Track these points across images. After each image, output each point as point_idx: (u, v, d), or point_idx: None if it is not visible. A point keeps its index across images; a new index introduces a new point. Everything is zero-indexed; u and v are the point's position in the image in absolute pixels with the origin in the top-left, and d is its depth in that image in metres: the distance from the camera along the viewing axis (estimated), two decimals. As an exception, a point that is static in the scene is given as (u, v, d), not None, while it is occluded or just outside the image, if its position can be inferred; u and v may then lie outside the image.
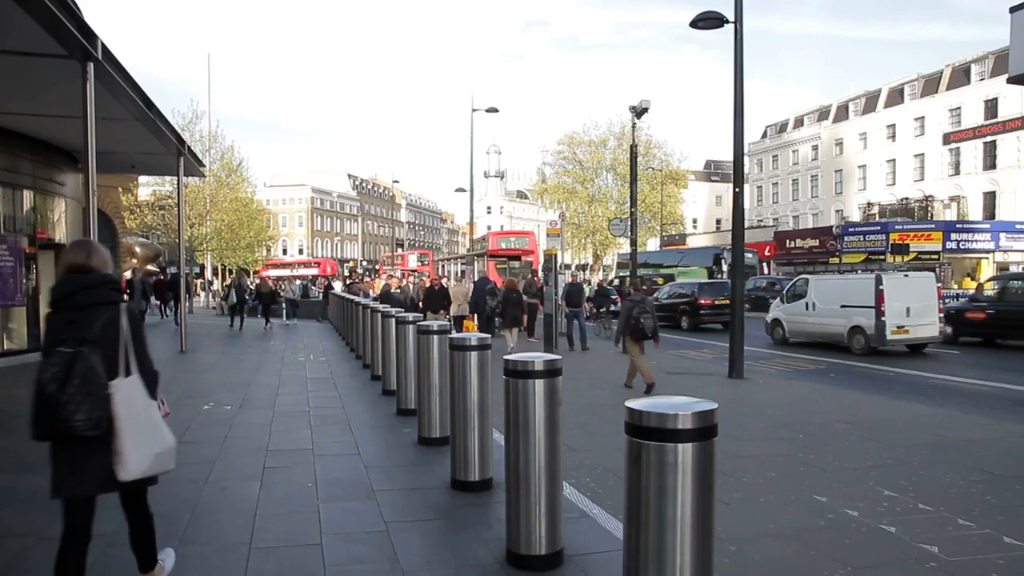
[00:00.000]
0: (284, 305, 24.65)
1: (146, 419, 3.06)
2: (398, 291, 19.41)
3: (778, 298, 18.43)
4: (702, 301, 22.10)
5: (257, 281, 27.34)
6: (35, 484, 5.23)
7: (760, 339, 17.75)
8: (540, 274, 22.00)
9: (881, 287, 14.73)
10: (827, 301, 16.19)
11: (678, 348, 16.91)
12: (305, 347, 15.72)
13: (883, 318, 14.55)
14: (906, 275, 15.76)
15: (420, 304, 16.91)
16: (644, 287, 15.78)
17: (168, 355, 13.91)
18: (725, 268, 30.28)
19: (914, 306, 14.76)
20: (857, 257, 34.27)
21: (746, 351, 11.56)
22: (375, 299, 16.39)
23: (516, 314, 14.88)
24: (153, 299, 23.78)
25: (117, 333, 3.01)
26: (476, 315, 16.78)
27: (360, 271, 61.61)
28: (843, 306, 15.61)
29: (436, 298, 15.97)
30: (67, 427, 2.79)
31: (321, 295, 27.86)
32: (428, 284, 17.75)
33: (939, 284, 15.52)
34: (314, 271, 43.40)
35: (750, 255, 33.92)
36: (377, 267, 59.81)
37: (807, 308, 16.67)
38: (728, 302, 23.86)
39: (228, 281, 27.55)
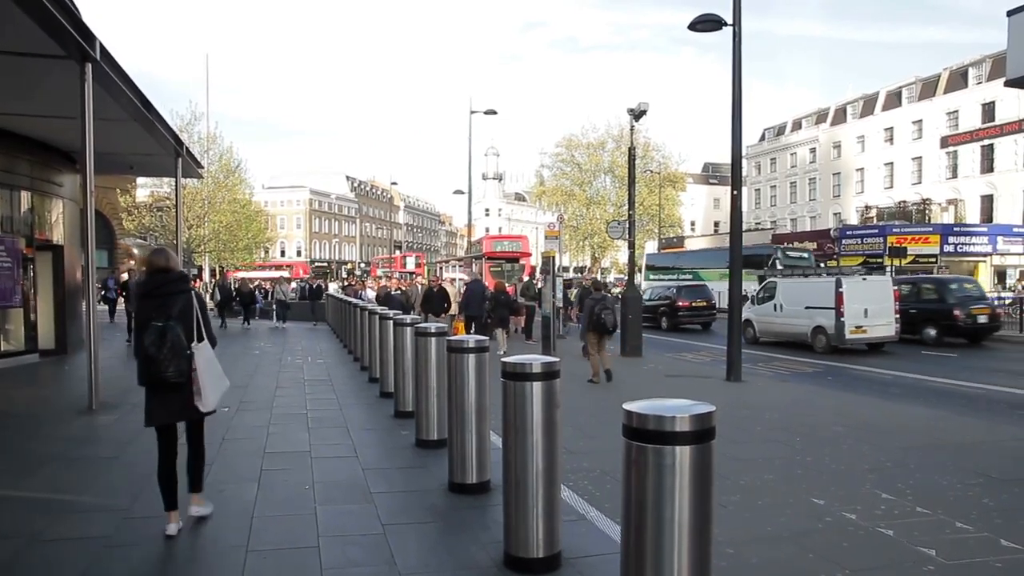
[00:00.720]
0: (275, 307, 23.91)
1: (215, 370, 4.35)
2: (398, 292, 19.23)
3: (750, 299, 19.27)
4: (680, 303, 23.28)
5: (238, 282, 27.30)
6: (32, 486, 5.23)
7: (720, 337, 18.21)
8: (539, 276, 22.06)
9: (840, 290, 15.69)
10: (793, 303, 17.20)
11: (673, 350, 16.93)
12: (303, 349, 15.71)
13: (842, 319, 15.51)
14: (864, 279, 16.54)
15: (416, 306, 16.86)
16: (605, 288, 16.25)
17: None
18: (780, 271, 28.15)
19: (871, 308, 15.72)
20: (855, 260, 34.31)
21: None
22: (370, 300, 16.36)
23: (504, 315, 15.41)
24: None
25: (191, 312, 4.23)
26: (467, 317, 16.60)
27: (358, 272, 61.63)
28: (807, 307, 16.56)
29: (436, 300, 15.61)
30: (161, 377, 4.03)
31: (309, 297, 26.89)
32: (428, 285, 17.37)
33: (895, 287, 16.63)
34: (285, 273, 42.89)
35: (806, 255, 32.27)
36: (368, 269, 59.64)
37: (775, 309, 17.75)
38: (705, 304, 24.79)
39: (213, 281, 27.61)
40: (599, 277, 47.59)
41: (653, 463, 2.30)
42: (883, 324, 15.86)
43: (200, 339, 4.26)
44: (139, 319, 4.21)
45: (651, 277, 38.68)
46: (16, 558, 3.89)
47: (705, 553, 2.34)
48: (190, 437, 4.44)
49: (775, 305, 17.75)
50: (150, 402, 4.18)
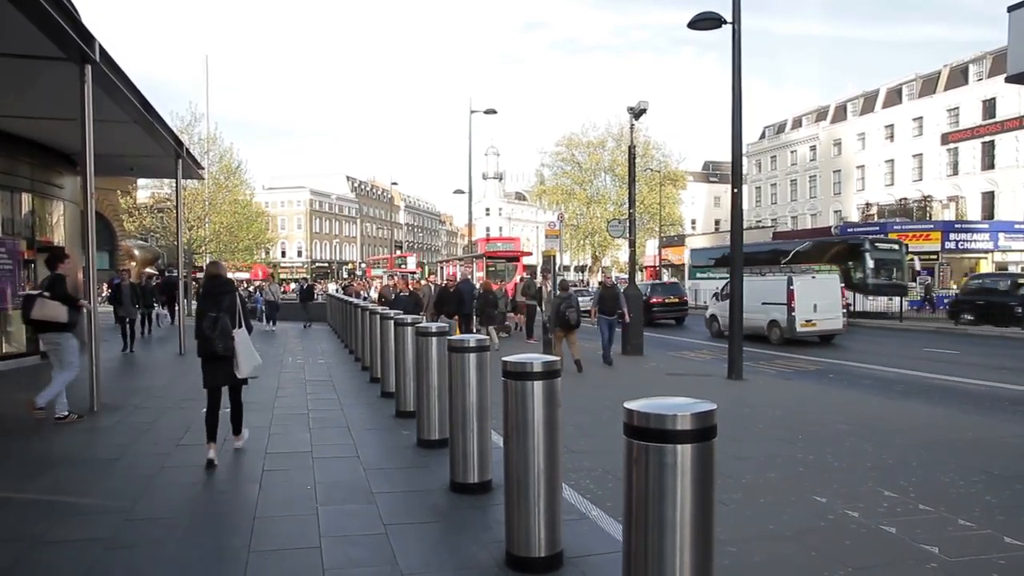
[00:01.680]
0: (264, 308, 22.82)
1: (249, 349, 5.95)
2: (406, 293, 18.44)
3: (714, 296, 21.04)
4: (653, 300, 24.57)
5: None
6: (33, 488, 5.23)
7: (702, 333, 20.69)
8: (540, 275, 22.04)
9: (791, 287, 17.28)
10: (751, 299, 17.66)
11: (674, 349, 16.92)
12: (304, 350, 15.71)
13: (793, 313, 17.14)
14: (814, 277, 18.16)
15: (427, 308, 16.72)
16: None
17: (167, 357, 13.91)
18: (870, 264, 26.06)
19: (821, 303, 17.29)
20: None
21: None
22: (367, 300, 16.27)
23: (492, 313, 15.60)
24: (160, 308, 22.18)
25: (235, 307, 5.90)
26: (458, 315, 16.46)
27: (359, 272, 61.64)
28: (763, 303, 17.78)
29: (450, 301, 14.84)
30: (213, 351, 5.72)
31: (300, 297, 25.96)
32: (444, 285, 16.30)
33: (842, 284, 18.21)
34: (245, 275, 42.35)
35: (896, 246, 28.37)
36: (364, 268, 59.54)
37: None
38: (678, 300, 25.84)
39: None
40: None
41: (654, 462, 2.29)
42: (831, 318, 17.45)
43: (240, 326, 5.87)
44: (198, 311, 5.91)
45: (698, 276, 35.98)
46: (18, 561, 3.88)
47: (707, 552, 2.34)
48: (232, 396, 6.11)
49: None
50: (205, 370, 5.90)
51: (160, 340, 17.19)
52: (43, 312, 7.24)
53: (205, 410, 5.92)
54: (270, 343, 17.02)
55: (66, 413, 7.48)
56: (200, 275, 30.93)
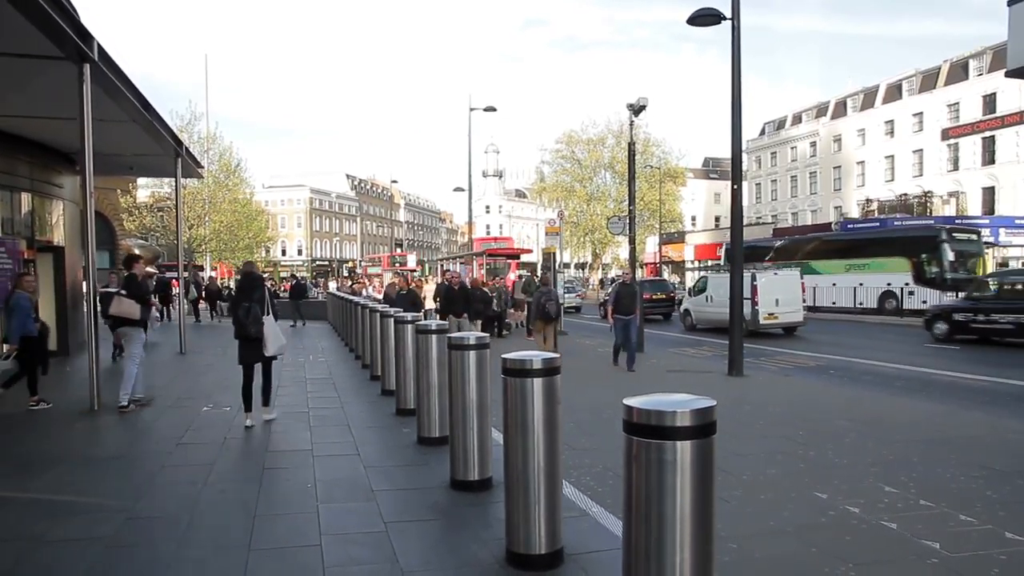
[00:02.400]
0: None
1: (276, 332, 7.21)
2: (403, 291, 18.45)
3: (688, 291, 22.87)
4: (643, 296, 25.61)
5: (206, 281, 27.07)
6: (35, 487, 5.23)
7: (678, 326, 22.41)
8: (540, 271, 22.06)
9: (755, 283, 18.40)
10: (720, 294, 18.85)
11: (675, 346, 16.92)
12: (304, 347, 15.71)
13: (757, 307, 18.22)
14: (776, 273, 19.70)
15: (425, 304, 16.67)
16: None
17: (167, 356, 13.90)
18: (949, 257, 23.44)
19: (782, 298, 18.55)
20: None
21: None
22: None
23: (479, 309, 15.82)
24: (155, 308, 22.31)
25: (264, 298, 7.13)
26: (467, 315, 16.53)
27: (358, 271, 61.58)
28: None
29: (456, 300, 14.47)
30: (246, 333, 7.02)
31: (289, 295, 24.75)
32: (449, 284, 15.52)
33: (802, 280, 19.56)
34: (211, 274, 42.11)
35: (974, 236, 25.45)
36: (363, 267, 59.43)
37: (707, 300, 20.49)
38: (665, 296, 26.41)
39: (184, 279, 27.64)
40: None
41: (654, 458, 2.29)
42: (792, 311, 18.84)
43: (268, 314, 7.15)
44: (234, 302, 7.45)
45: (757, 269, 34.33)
46: (19, 560, 3.89)
47: (707, 548, 2.33)
48: (263, 371, 7.35)
49: (707, 296, 20.52)
50: (240, 350, 7.22)
51: (161, 338, 17.16)
52: (120, 308, 8.02)
53: (242, 384, 7.21)
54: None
55: (129, 402, 8.01)
56: (199, 273, 31.00)
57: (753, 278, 18.46)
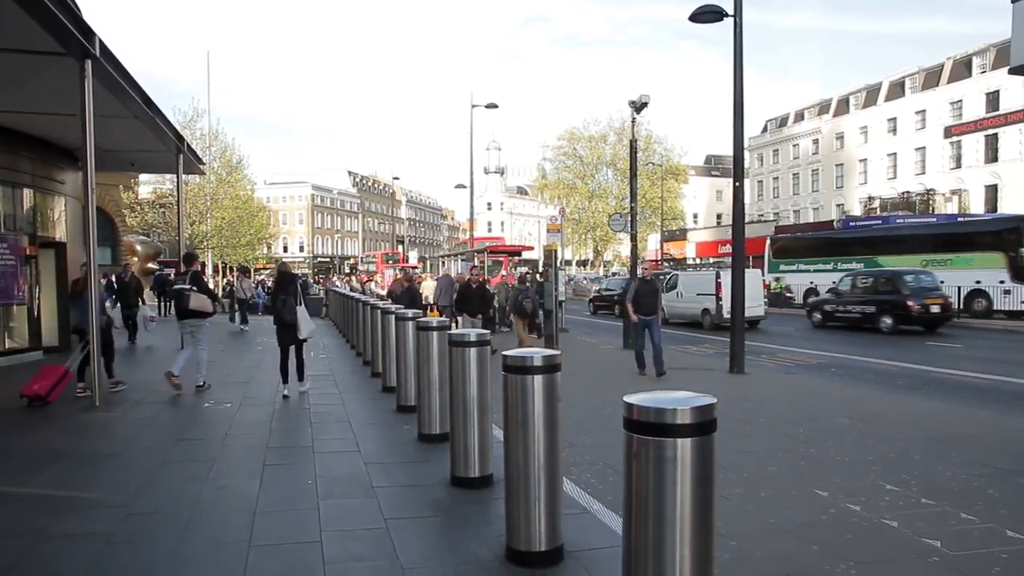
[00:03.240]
0: (236, 307, 20.50)
1: (306, 319, 8.76)
2: (403, 289, 17.52)
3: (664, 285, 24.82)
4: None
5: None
6: (36, 483, 5.24)
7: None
8: (541, 268, 22.04)
9: (719, 280, 19.83)
10: (688, 290, 21.90)
11: (677, 343, 16.90)
12: (306, 344, 15.68)
13: (720, 302, 19.34)
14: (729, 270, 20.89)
15: (435, 305, 16.23)
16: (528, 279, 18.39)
17: (170, 353, 13.89)
18: None
19: (746, 293, 18.43)
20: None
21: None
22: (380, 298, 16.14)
23: (466, 306, 15.69)
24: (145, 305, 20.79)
25: (296, 291, 8.77)
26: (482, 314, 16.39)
27: (360, 268, 61.62)
28: (698, 294, 21.11)
29: (472, 299, 13.24)
30: (283, 321, 8.66)
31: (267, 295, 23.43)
32: (467, 281, 14.03)
33: (763, 278, 21.81)
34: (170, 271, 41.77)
35: None
36: (363, 264, 59.42)
37: (677, 296, 22.10)
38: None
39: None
40: (604, 270, 47.59)
41: (654, 456, 2.28)
42: (754, 306, 19.09)
43: (300, 304, 8.71)
44: (272, 294, 9.36)
45: (783, 268, 30.28)
46: (20, 556, 3.89)
47: (707, 546, 2.33)
48: (297, 352, 8.91)
49: (677, 293, 22.23)
50: (278, 334, 8.81)
51: (165, 335, 17.15)
52: (198, 303, 9.04)
53: (280, 362, 8.80)
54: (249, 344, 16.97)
55: (203, 382, 9.16)
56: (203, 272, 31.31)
57: (717, 276, 20.27)
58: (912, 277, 19.41)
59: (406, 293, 13.72)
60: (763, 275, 28.87)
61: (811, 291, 27.36)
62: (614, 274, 44.68)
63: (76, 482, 5.30)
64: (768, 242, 31.79)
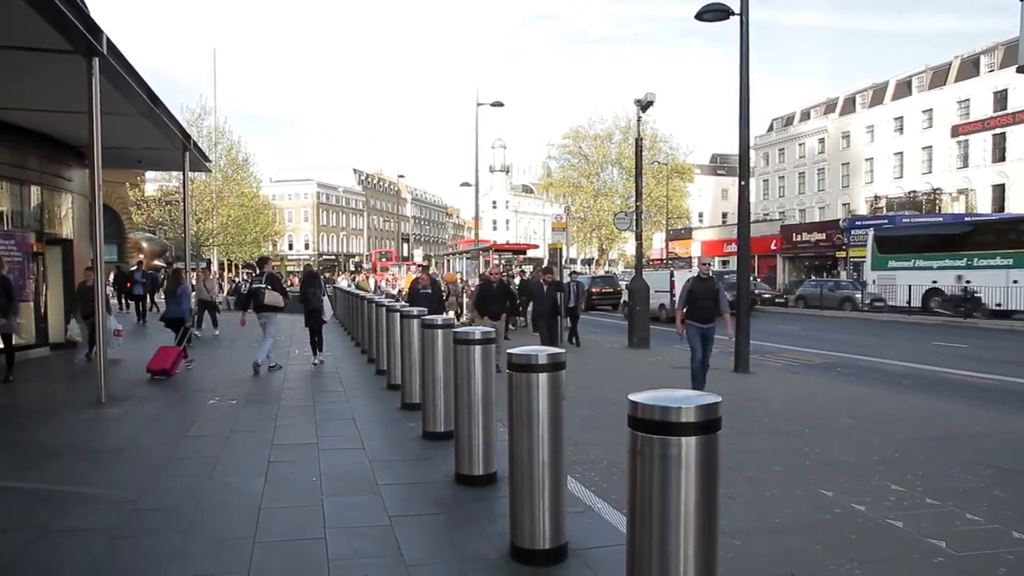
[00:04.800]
0: (199, 310, 16.65)
1: (329, 306, 12.95)
2: (428, 290, 13.31)
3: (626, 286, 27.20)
4: (593, 290, 30.00)
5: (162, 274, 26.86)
6: (41, 478, 5.27)
7: (617, 314, 25.62)
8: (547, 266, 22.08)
9: (672, 279, 22.23)
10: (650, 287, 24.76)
11: (679, 342, 16.86)
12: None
13: (674, 298, 20.12)
14: (690, 269, 21.85)
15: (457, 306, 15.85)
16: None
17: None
18: None
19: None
20: (863, 251, 34.04)
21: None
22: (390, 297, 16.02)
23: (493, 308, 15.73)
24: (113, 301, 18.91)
25: (322, 285, 12.94)
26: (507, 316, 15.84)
27: (366, 266, 61.75)
28: (655, 291, 21.86)
29: (494, 300, 11.94)
30: (310, 308, 11.78)
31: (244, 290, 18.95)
32: (488, 280, 12.82)
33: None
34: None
35: None
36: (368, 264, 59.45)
37: None
38: (612, 291, 29.72)
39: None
40: (606, 268, 47.47)
41: (658, 454, 2.28)
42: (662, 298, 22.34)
43: (325, 295, 11.89)
44: (303, 288, 12.17)
45: (891, 265, 26.68)
46: (25, 550, 3.91)
47: (711, 544, 2.33)
48: (318, 331, 11.80)
49: None
50: (306, 318, 11.72)
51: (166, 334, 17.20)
52: (272, 299, 10.68)
53: (309, 339, 11.84)
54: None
55: (274, 363, 10.96)
56: (208, 269, 31.36)
57: (671, 275, 22.76)
58: None
59: (426, 295, 11.66)
60: (867, 271, 27.41)
61: (933, 292, 24.26)
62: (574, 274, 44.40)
63: (80, 477, 5.33)
64: (871, 234, 28.40)
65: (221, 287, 21.03)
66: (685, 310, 9.03)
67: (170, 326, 11.52)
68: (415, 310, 7.79)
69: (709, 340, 9.07)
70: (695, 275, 9.32)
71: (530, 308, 14.88)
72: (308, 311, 11.65)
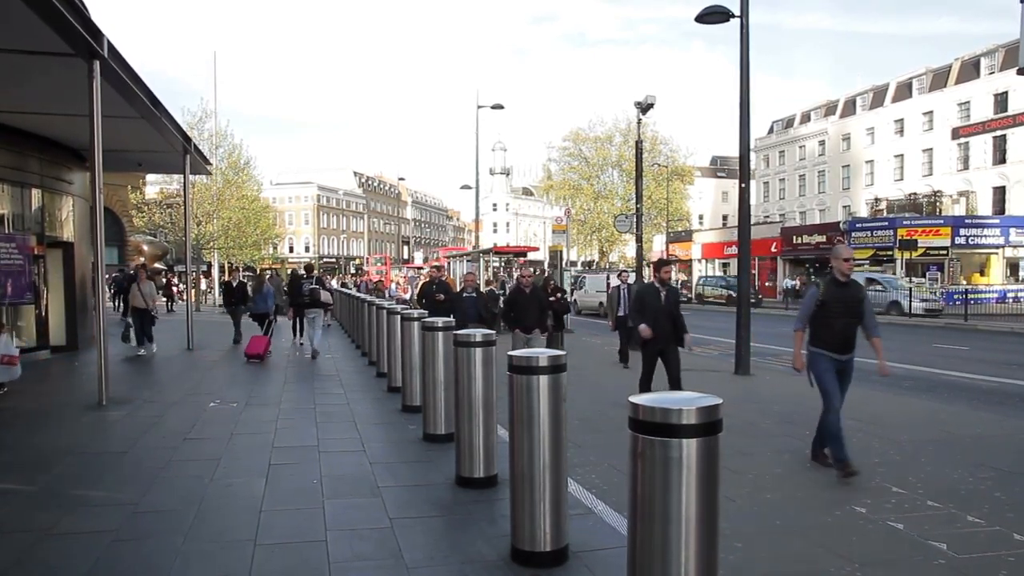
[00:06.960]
0: (131, 321, 14.01)
1: (328, 295, 14.22)
2: (471, 293, 11.62)
3: (576, 283, 31.34)
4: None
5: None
6: (42, 481, 5.27)
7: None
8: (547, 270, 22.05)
9: (608, 280, 23.95)
10: (592, 288, 29.14)
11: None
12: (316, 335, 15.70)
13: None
14: (626, 270, 24.36)
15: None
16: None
17: (175, 352, 13.96)
18: None
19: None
20: (864, 253, 34.05)
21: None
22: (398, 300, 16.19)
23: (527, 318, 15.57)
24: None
25: (320, 279, 14.68)
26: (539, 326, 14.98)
27: (366, 269, 61.71)
28: (597, 291, 27.06)
29: (527, 308, 10.20)
30: (306, 304, 13.47)
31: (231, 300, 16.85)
32: (517, 286, 10.76)
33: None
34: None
35: None
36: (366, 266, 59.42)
37: (584, 292, 29.90)
38: (561, 292, 30.18)
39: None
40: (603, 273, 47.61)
41: (659, 456, 2.28)
42: (599, 296, 24.82)
43: (326, 289, 13.79)
44: (297, 287, 14.00)
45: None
46: (27, 552, 3.91)
47: (712, 547, 2.33)
48: (308, 322, 13.61)
49: (584, 290, 30.03)
50: (294, 309, 14.87)
51: (170, 334, 17.22)
52: (325, 298, 13.35)
53: (292, 324, 14.57)
54: (279, 335, 16.92)
55: (318, 351, 12.90)
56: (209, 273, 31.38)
57: (608, 277, 25.42)
58: None
59: (477, 300, 10.86)
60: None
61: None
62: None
63: (82, 479, 5.33)
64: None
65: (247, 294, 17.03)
66: (808, 331, 5.97)
67: (256, 319, 14.28)
68: (415, 312, 7.77)
69: (847, 378, 6.12)
70: (829, 277, 5.93)
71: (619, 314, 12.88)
72: (302, 302, 13.72)
